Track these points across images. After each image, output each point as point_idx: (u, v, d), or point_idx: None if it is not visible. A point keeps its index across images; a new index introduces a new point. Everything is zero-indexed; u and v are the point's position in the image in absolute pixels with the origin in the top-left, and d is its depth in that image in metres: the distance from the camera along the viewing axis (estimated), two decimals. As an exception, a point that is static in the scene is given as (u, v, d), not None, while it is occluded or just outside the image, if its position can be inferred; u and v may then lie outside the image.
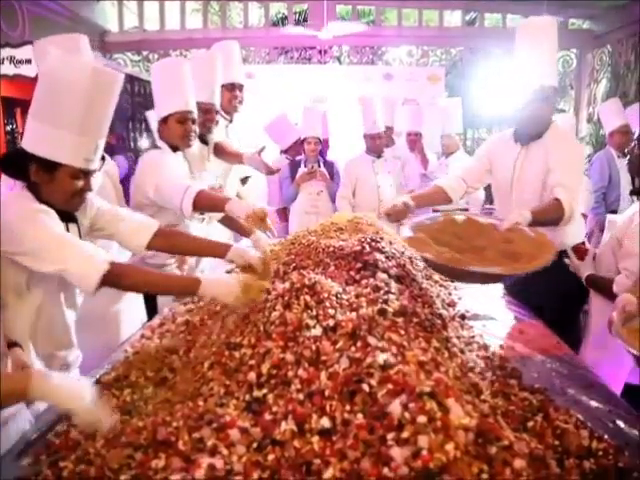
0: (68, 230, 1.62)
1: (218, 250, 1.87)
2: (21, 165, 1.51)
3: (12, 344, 1.46)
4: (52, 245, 1.45)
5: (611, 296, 1.81)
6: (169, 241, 1.87)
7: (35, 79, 1.56)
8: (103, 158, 1.65)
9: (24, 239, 1.45)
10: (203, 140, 2.76)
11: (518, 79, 2.35)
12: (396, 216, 2.32)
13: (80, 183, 1.55)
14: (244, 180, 3.47)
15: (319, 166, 4.14)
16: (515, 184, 2.41)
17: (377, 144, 3.90)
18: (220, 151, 2.87)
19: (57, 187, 1.53)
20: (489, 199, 4.41)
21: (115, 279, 1.48)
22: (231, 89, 3.17)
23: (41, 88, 1.49)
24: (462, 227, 2.01)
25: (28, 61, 4.69)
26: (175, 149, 2.45)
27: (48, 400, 1.15)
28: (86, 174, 1.56)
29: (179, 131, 2.40)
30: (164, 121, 2.41)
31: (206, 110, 2.68)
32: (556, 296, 2.18)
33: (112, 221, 1.79)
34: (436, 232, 1.97)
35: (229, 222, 2.49)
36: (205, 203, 2.18)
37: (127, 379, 1.47)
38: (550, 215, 2.10)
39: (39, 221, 1.47)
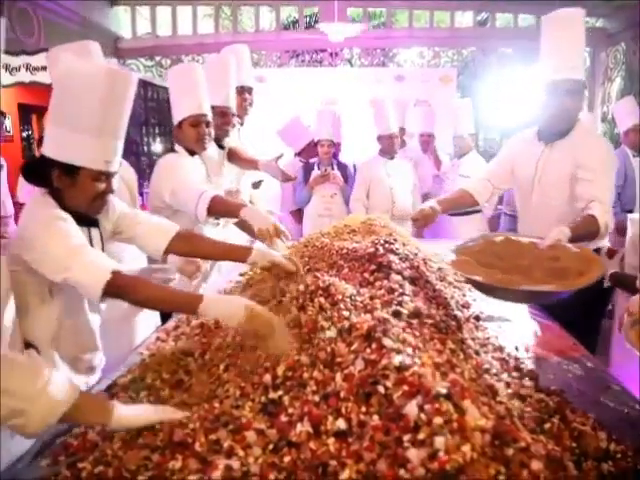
0: (90, 235, 1.64)
1: (239, 253, 1.79)
2: (42, 172, 1.53)
3: (27, 346, 1.48)
4: (60, 253, 1.44)
5: (635, 293, 1.79)
6: (188, 244, 1.83)
7: (51, 86, 1.58)
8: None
9: (36, 245, 1.46)
10: (219, 144, 2.78)
11: (544, 73, 2.27)
12: (424, 221, 2.31)
13: (102, 186, 1.56)
14: (256, 184, 3.48)
15: (332, 169, 4.14)
16: (536, 185, 2.35)
17: (391, 145, 3.89)
18: (234, 157, 2.88)
19: (79, 191, 1.54)
20: (499, 200, 4.39)
21: (119, 290, 1.45)
22: (241, 92, 3.18)
23: (57, 93, 1.51)
24: (501, 247, 1.98)
25: (44, 68, 4.75)
26: (192, 153, 2.48)
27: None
28: (107, 176, 1.57)
29: (193, 134, 2.42)
30: (179, 126, 2.45)
31: (222, 113, 2.70)
32: (576, 303, 2.11)
33: (131, 224, 1.80)
34: (477, 254, 1.94)
35: (243, 225, 2.49)
36: (219, 208, 2.18)
37: (143, 381, 1.48)
38: (586, 231, 2.04)
39: (53, 228, 1.47)
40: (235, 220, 2.52)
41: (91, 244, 1.63)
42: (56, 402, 1.04)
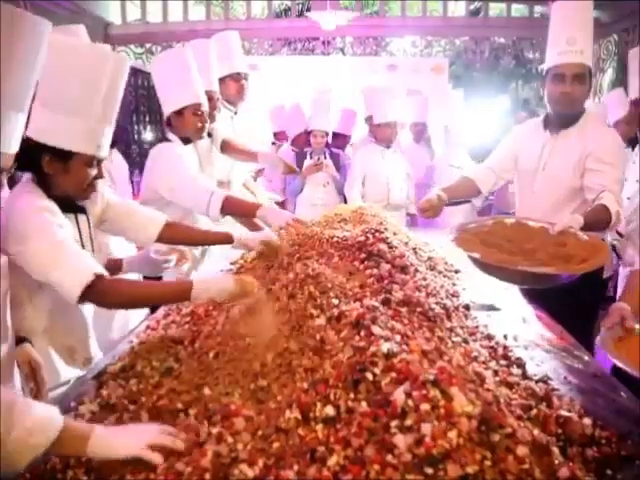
0: (78, 221, 1.61)
1: (225, 238, 1.93)
2: (30, 156, 1.45)
3: (20, 340, 1.46)
4: (43, 251, 1.39)
5: None
6: (178, 232, 1.91)
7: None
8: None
9: (19, 240, 1.39)
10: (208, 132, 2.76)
11: (550, 57, 2.25)
12: (433, 211, 2.28)
13: (93, 171, 1.54)
14: (258, 173, 3.46)
15: (325, 158, 4.14)
16: (540, 174, 2.30)
17: (388, 134, 3.87)
18: (230, 149, 2.85)
19: (71, 177, 1.51)
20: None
21: (100, 295, 1.41)
22: (237, 79, 3.15)
23: (47, 75, 1.41)
24: (512, 230, 1.97)
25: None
26: (186, 142, 2.44)
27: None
28: (98, 161, 1.55)
29: (195, 122, 2.40)
30: (178, 113, 2.39)
31: (208, 98, 2.66)
32: (570, 301, 2.04)
33: (121, 213, 1.79)
34: (485, 235, 1.94)
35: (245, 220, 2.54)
36: (234, 209, 2.23)
37: (133, 369, 1.48)
38: (597, 220, 1.99)
39: (38, 221, 1.42)
40: None
41: (79, 230, 1.61)
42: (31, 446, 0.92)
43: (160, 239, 1.86)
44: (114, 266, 1.88)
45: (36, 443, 0.91)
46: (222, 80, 3.00)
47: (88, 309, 1.71)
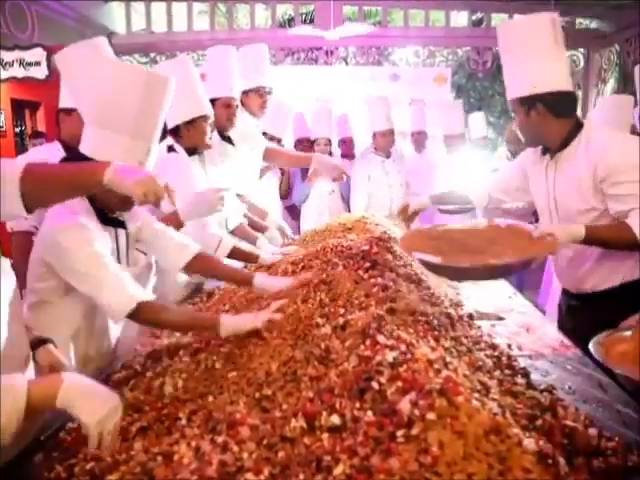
0: (117, 235, 1.67)
1: (248, 281, 1.85)
2: None
3: (41, 342, 1.46)
4: (90, 268, 1.49)
5: None
6: (205, 266, 1.92)
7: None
8: None
9: (61, 253, 1.50)
10: (223, 135, 2.79)
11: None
12: (404, 215, 2.30)
13: None
14: (263, 170, 3.43)
15: None
16: (552, 203, 2.00)
17: (388, 142, 3.89)
18: (277, 155, 2.83)
19: (112, 190, 1.55)
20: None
21: (140, 317, 1.52)
22: (262, 94, 3.13)
23: (95, 94, 1.56)
24: (461, 233, 1.91)
25: (37, 63, 4.73)
26: (191, 152, 2.44)
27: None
28: None
29: (207, 132, 2.42)
30: (189, 123, 2.38)
31: (228, 105, 2.72)
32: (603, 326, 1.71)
33: (156, 236, 1.83)
34: (434, 238, 1.88)
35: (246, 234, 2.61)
36: (239, 258, 2.30)
37: (137, 377, 1.48)
38: (614, 237, 1.76)
39: (83, 239, 1.51)
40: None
41: (117, 244, 1.67)
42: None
43: (188, 269, 1.89)
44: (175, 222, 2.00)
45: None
46: (246, 93, 3.04)
47: (115, 328, 1.76)
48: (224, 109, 2.66)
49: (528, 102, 1.85)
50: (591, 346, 1.40)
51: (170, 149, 2.46)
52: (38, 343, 1.42)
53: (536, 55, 1.83)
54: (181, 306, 2.12)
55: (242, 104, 3.00)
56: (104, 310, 1.55)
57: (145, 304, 1.51)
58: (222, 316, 1.51)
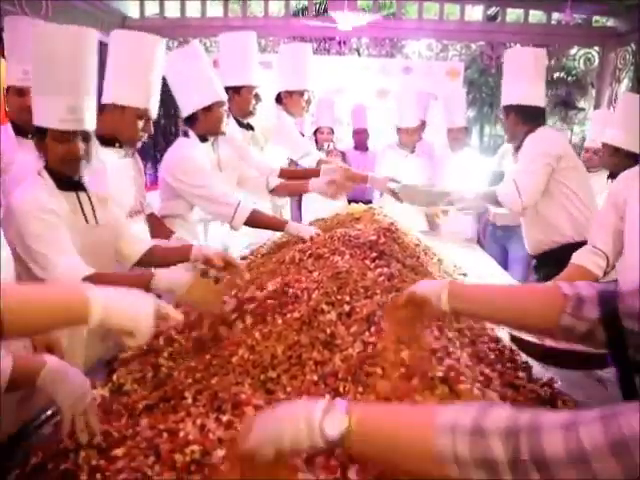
0: (79, 199, 1.66)
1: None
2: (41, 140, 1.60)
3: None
4: (42, 251, 1.51)
5: None
6: (155, 258, 1.85)
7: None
8: None
9: (23, 236, 1.52)
10: (242, 124, 2.83)
11: None
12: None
13: (65, 147, 1.57)
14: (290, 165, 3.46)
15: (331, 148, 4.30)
16: None
17: (408, 138, 3.85)
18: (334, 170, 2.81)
19: (50, 152, 1.59)
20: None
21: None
22: (302, 95, 3.14)
23: (35, 62, 1.58)
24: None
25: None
26: (203, 139, 2.42)
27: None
28: (74, 136, 1.57)
29: (223, 117, 2.42)
30: (207, 109, 2.35)
31: (250, 92, 2.78)
32: None
33: (116, 226, 1.80)
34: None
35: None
36: (259, 224, 2.28)
37: (144, 356, 1.50)
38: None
39: (39, 220, 1.52)
40: None
41: (81, 206, 1.66)
42: None
43: (140, 263, 1.83)
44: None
45: None
46: (290, 93, 3.09)
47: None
48: (251, 96, 2.74)
49: (507, 109, 2.54)
50: None
51: (185, 134, 2.48)
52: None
53: (519, 77, 2.50)
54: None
55: (281, 103, 3.08)
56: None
57: (92, 277, 1.49)
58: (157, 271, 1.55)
